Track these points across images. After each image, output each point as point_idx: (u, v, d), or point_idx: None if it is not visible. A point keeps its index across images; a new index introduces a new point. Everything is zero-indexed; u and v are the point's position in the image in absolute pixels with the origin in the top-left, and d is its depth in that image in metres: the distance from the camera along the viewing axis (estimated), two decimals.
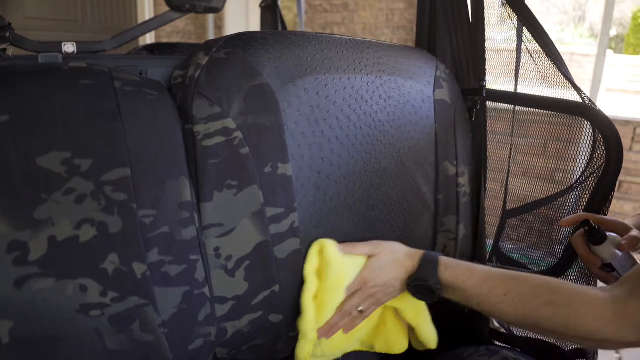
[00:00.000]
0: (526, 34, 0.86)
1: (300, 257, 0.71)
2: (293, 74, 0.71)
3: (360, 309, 0.70)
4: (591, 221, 0.70)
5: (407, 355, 0.84)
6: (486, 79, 0.94)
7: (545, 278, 0.62)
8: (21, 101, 0.55)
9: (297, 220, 0.70)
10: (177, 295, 0.61)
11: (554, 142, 0.88)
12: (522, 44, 0.88)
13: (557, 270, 0.87)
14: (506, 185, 0.97)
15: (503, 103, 0.95)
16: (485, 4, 0.91)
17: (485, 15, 0.91)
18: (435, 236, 0.90)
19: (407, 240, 0.78)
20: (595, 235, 0.69)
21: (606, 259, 0.70)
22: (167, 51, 1.80)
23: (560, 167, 0.88)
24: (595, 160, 0.80)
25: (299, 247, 0.70)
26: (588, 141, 0.82)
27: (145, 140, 0.60)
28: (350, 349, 0.79)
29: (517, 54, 0.90)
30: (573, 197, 0.85)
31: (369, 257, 0.72)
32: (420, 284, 0.67)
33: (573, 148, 0.85)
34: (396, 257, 0.70)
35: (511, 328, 0.97)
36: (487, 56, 0.93)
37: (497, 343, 0.96)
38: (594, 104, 0.81)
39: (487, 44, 0.93)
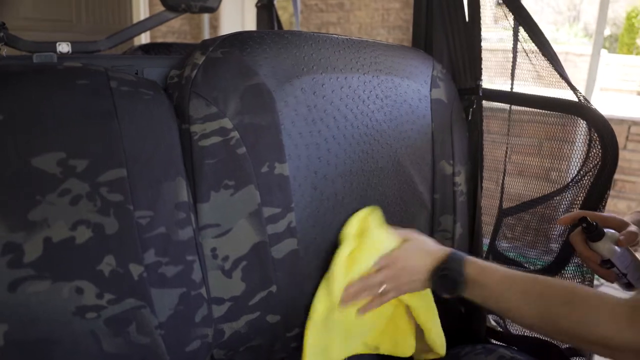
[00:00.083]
0: (522, 33, 0.87)
1: (298, 257, 0.71)
2: (290, 74, 0.71)
3: (381, 289, 0.71)
4: (588, 218, 0.70)
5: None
6: (482, 78, 0.94)
7: (562, 281, 0.62)
8: (15, 101, 0.54)
9: (294, 220, 0.70)
10: (173, 296, 0.60)
11: (549, 141, 0.88)
12: (518, 43, 0.88)
13: (553, 268, 0.87)
14: (502, 184, 0.97)
15: (499, 102, 0.95)
16: (481, 4, 0.91)
17: (482, 15, 0.91)
18: (432, 235, 0.90)
19: None
20: (593, 231, 0.70)
21: (605, 255, 0.70)
22: (163, 51, 1.79)
23: (556, 166, 0.89)
24: (591, 158, 0.81)
25: (296, 247, 0.70)
26: (583, 140, 0.82)
27: (141, 140, 0.60)
28: (352, 352, 0.78)
29: (513, 54, 0.90)
30: (569, 195, 0.86)
31: (403, 241, 0.73)
32: (447, 274, 0.68)
33: (568, 147, 0.85)
34: (427, 247, 0.72)
35: (508, 326, 0.97)
36: (483, 56, 0.94)
37: (494, 342, 0.96)
38: (589, 102, 0.81)
39: (483, 44, 0.93)
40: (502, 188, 0.98)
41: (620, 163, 0.78)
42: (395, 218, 0.84)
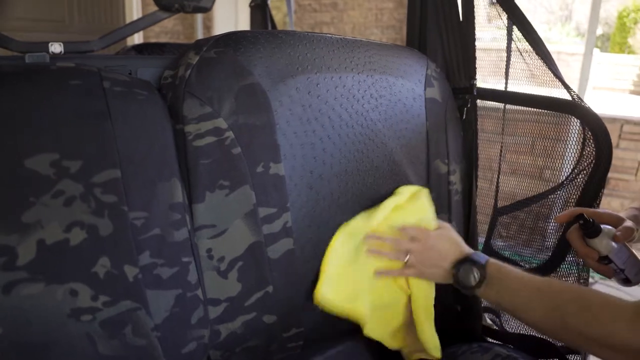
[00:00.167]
0: (516, 32, 0.87)
1: (294, 257, 0.71)
2: (284, 73, 0.70)
3: (406, 258, 0.75)
4: (585, 215, 0.71)
5: (400, 355, 0.84)
6: (476, 77, 0.95)
7: (575, 284, 0.63)
8: (8, 102, 0.54)
9: (290, 220, 0.70)
10: (169, 298, 0.60)
11: (543, 140, 0.89)
12: (512, 42, 0.89)
13: (548, 266, 0.88)
14: (497, 183, 0.98)
15: (493, 101, 0.96)
16: (475, 3, 0.91)
17: (475, 14, 0.92)
18: None
19: None
20: (590, 228, 0.70)
21: (602, 252, 0.71)
22: (156, 51, 1.78)
23: (550, 164, 0.89)
24: (585, 157, 0.81)
25: (292, 247, 0.70)
26: (577, 138, 0.83)
27: (135, 141, 0.59)
28: (358, 312, 0.75)
29: (507, 53, 0.90)
30: (564, 193, 0.86)
31: (440, 227, 0.79)
32: (469, 265, 0.71)
33: (562, 145, 0.86)
34: (459, 240, 0.77)
35: (503, 325, 0.98)
36: (477, 55, 0.94)
37: (490, 340, 0.96)
38: (582, 101, 0.82)
39: (477, 43, 0.93)
40: (497, 187, 0.98)
41: (613, 161, 0.79)
42: None
